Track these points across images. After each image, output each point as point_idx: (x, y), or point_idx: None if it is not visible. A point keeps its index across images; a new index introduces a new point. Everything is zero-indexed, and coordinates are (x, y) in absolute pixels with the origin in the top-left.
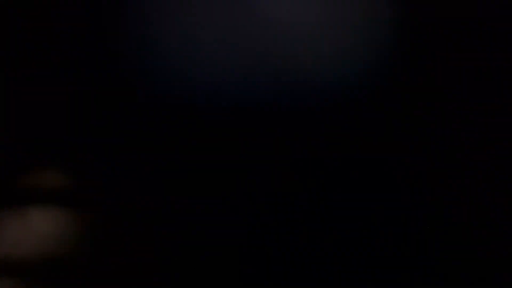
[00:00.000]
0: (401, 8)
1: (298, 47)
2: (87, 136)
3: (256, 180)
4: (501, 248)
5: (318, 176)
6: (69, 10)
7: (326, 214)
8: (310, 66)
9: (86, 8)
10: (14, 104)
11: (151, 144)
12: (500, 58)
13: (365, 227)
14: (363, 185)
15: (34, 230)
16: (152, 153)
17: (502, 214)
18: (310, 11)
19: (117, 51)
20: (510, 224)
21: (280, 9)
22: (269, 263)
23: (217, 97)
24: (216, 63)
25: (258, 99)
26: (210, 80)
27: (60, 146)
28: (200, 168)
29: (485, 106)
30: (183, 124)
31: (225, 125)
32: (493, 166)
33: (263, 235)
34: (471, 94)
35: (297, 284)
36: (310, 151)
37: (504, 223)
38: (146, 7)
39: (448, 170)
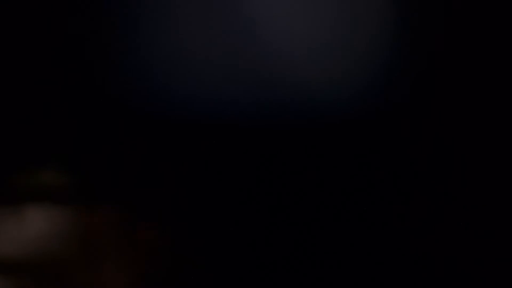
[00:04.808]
0: (402, 16)
1: (296, 58)
2: (84, 134)
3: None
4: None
5: (317, 187)
6: (69, 11)
7: (323, 227)
8: (308, 75)
9: (86, 11)
10: (12, 103)
11: (147, 143)
12: (503, 59)
13: (363, 240)
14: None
15: (31, 229)
16: (149, 153)
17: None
18: (308, 20)
19: (112, 52)
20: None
21: (277, 18)
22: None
23: (212, 101)
24: (210, 71)
25: (253, 108)
26: (206, 85)
27: (57, 144)
28: (195, 168)
29: (492, 111)
30: (178, 124)
31: (222, 129)
32: (497, 172)
33: (255, 244)
34: (477, 100)
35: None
36: (309, 165)
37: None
38: (142, 13)
39: (451, 177)
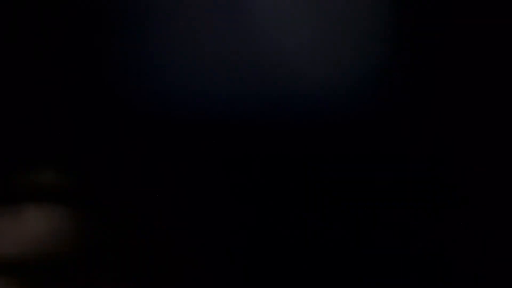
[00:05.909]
0: (401, 16)
1: (296, 55)
2: (84, 134)
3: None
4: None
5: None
6: (69, 10)
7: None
8: (307, 73)
9: (86, 10)
10: (12, 103)
11: (147, 143)
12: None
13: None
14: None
15: (31, 229)
16: (149, 153)
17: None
18: (307, 20)
19: (112, 51)
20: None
21: (278, 20)
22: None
23: (212, 100)
24: (210, 71)
25: (252, 106)
26: (206, 85)
27: (57, 144)
28: (195, 168)
29: (492, 111)
30: (178, 124)
31: (222, 129)
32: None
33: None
34: (476, 100)
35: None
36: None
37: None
38: (143, 11)
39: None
